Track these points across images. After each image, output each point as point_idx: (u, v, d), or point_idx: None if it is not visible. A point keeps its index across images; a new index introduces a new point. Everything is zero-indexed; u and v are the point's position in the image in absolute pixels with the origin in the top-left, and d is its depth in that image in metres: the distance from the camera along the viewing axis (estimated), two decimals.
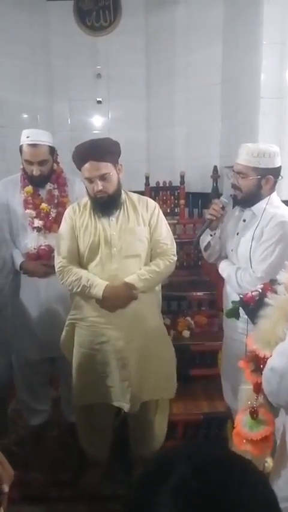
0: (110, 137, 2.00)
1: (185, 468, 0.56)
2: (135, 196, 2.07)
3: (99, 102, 3.97)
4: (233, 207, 2.13)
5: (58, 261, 2.00)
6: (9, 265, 2.28)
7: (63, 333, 2.12)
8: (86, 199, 2.03)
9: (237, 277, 1.98)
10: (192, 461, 0.58)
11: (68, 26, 3.83)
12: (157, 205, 2.08)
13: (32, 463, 2.43)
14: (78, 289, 1.93)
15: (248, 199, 1.99)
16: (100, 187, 1.87)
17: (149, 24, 3.84)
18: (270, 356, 1.23)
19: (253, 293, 1.56)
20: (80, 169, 1.92)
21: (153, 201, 2.09)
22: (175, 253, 2.09)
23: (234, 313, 1.76)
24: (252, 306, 1.53)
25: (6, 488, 0.90)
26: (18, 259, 2.32)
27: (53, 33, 3.84)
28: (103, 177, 1.87)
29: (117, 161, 1.94)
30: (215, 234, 2.10)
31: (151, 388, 2.08)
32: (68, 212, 2.05)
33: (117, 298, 1.90)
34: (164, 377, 2.13)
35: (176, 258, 2.08)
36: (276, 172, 1.94)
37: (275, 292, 1.41)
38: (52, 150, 2.30)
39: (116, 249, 1.94)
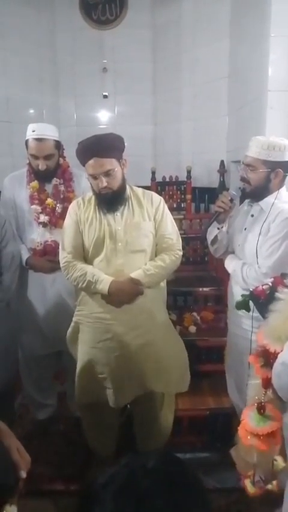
0: (116, 132, 1.98)
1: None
2: (140, 191, 2.05)
3: (105, 96, 3.96)
4: (241, 201, 2.12)
5: (63, 256, 1.99)
6: (18, 261, 2.28)
7: (70, 329, 2.11)
8: (90, 194, 2.02)
9: (243, 272, 1.96)
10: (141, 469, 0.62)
11: (74, 20, 3.82)
12: (162, 199, 2.06)
13: (38, 457, 2.44)
14: (84, 285, 1.92)
15: (256, 192, 1.97)
16: (105, 184, 1.86)
17: (156, 18, 3.82)
18: (281, 351, 1.22)
19: (264, 287, 1.55)
20: (84, 165, 1.90)
21: (158, 196, 2.08)
22: (180, 248, 2.07)
23: (244, 306, 1.75)
24: (263, 300, 1.52)
25: (24, 474, 0.92)
26: (24, 255, 2.32)
27: (59, 27, 3.83)
28: (107, 173, 1.85)
29: (122, 156, 1.92)
30: (222, 227, 2.09)
31: (162, 382, 2.08)
32: (72, 207, 2.04)
33: (123, 294, 1.89)
34: (176, 371, 2.12)
35: (181, 253, 2.07)
36: (286, 166, 1.91)
37: (286, 286, 1.40)
38: (58, 145, 2.30)
39: (121, 244, 1.93)
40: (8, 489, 0.88)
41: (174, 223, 2.09)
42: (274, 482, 1.51)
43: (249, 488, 1.53)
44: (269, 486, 1.53)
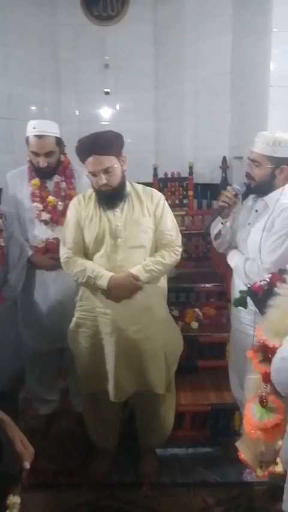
0: (118, 128, 1.99)
1: None
2: (140, 187, 2.06)
3: (107, 93, 3.95)
4: (246, 196, 2.11)
5: (63, 252, 2.00)
6: (25, 259, 2.26)
7: (71, 325, 2.12)
8: (91, 191, 2.03)
9: (245, 267, 1.96)
10: None
11: (75, 16, 3.80)
12: (162, 196, 2.06)
13: (41, 451, 2.46)
14: (83, 280, 1.93)
15: (261, 188, 1.97)
16: (104, 181, 1.87)
17: (158, 13, 3.80)
18: (280, 346, 1.23)
19: (261, 282, 1.56)
20: (83, 163, 1.91)
21: (158, 192, 2.08)
22: (180, 244, 2.08)
23: (241, 303, 1.76)
24: (261, 296, 1.52)
25: (27, 465, 0.94)
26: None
27: (60, 23, 3.81)
28: (107, 171, 1.86)
29: (121, 153, 1.93)
30: (226, 222, 2.08)
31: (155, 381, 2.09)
32: (73, 203, 2.05)
33: (122, 289, 1.90)
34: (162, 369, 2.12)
35: (181, 250, 2.07)
36: None
37: (284, 281, 1.40)
38: (59, 141, 2.29)
39: (121, 239, 1.94)
40: (12, 479, 0.90)
41: (175, 220, 2.09)
42: (279, 461, 1.53)
43: (259, 472, 1.54)
44: (276, 468, 1.55)
